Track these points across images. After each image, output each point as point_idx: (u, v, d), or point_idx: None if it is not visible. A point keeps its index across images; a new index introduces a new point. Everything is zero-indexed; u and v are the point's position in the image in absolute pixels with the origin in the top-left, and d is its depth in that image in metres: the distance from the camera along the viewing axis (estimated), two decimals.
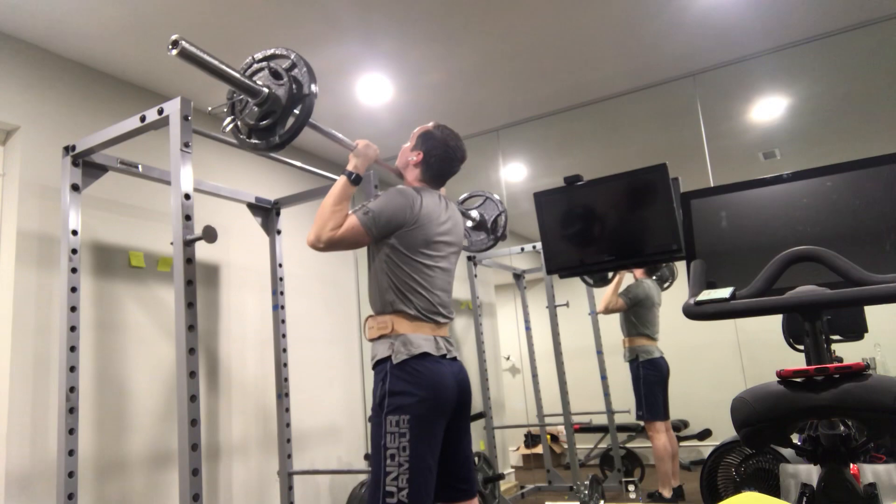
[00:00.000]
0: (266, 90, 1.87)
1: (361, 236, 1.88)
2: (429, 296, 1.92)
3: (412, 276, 1.90)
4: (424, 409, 1.78)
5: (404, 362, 1.82)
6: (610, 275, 3.83)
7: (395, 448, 1.75)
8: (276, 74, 1.87)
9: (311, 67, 1.87)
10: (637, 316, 3.78)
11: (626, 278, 3.85)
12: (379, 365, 1.88)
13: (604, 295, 3.83)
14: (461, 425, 1.97)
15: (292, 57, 1.88)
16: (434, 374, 1.83)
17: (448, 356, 1.92)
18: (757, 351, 3.24)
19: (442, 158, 2.07)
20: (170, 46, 1.67)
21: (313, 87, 1.85)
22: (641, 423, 3.77)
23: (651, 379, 3.69)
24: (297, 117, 1.86)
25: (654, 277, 3.85)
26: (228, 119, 1.96)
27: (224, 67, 1.80)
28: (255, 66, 1.93)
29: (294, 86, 1.86)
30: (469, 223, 3.30)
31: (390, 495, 1.71)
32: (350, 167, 2.00)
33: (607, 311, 3.82)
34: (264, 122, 1.89)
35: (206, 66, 1.77)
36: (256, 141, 1.93)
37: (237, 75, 1.84)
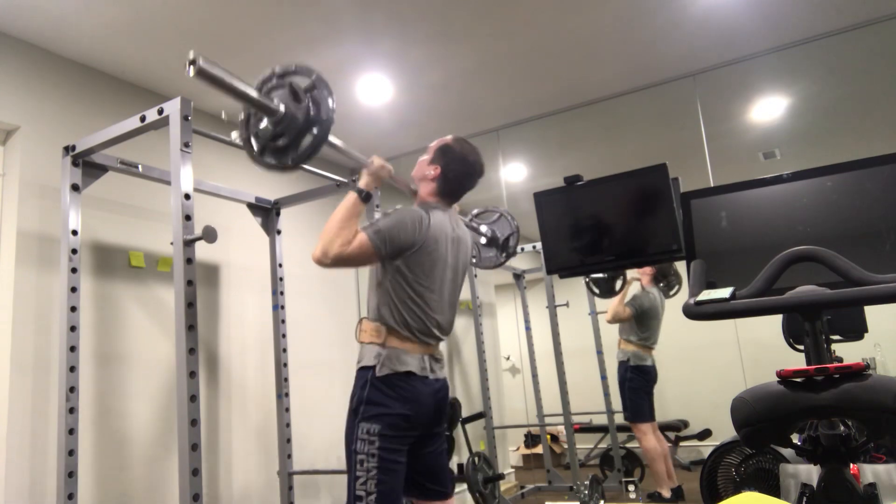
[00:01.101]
0: (283, 110, 1.83)
1: (371, 256, 1.85)
2: (425, 318, 1.90)
3: (413, 298, 1.88)
4: (397, 421, 1.80)
5: (387, 376, 1.82)
6: (618, 286, 3.84)
7: (364, 454, 1.77)
8: (295, 94, 1.82)
9: (330, 87, 1.83)
10: (639, 324, 3.79)
11: (634, 287, 3.86)
12: (362, 371, 1.88)
13: (611, 305, 3.84)
14: (432, 436, 1.97)
15: (313, 78, 1.83)
16: (413, 392, 1.84)
17: (431, 377, 1.91)
18: (757, 351, 3.24)
19: (460, 174, 2.03)
20: (187, 65, 1.60)
21: (332, 109, 1.81)
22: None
23: (636, 383, 3.72)
24: (315, 138, 1.82)
25: (660, 286, 3.85)
26: (243, 131, 1.91)
27: (242, 88, 1.74)
28: (275, 81, 1.88)
29: (312, 107, 1.81)
30: (481, 240, 3.28)
31: (359, 499, 1.75)
32: (361, 184, 1.96)
33: (615, 320, 3.83)
34: (279, 142, 1.85)
35: (224, 87, 1.71)
36: (271, 160, 1.88)
37: (255, 96, 1.79)
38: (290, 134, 1.84)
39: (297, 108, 1.82)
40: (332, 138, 1.88)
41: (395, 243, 1.85)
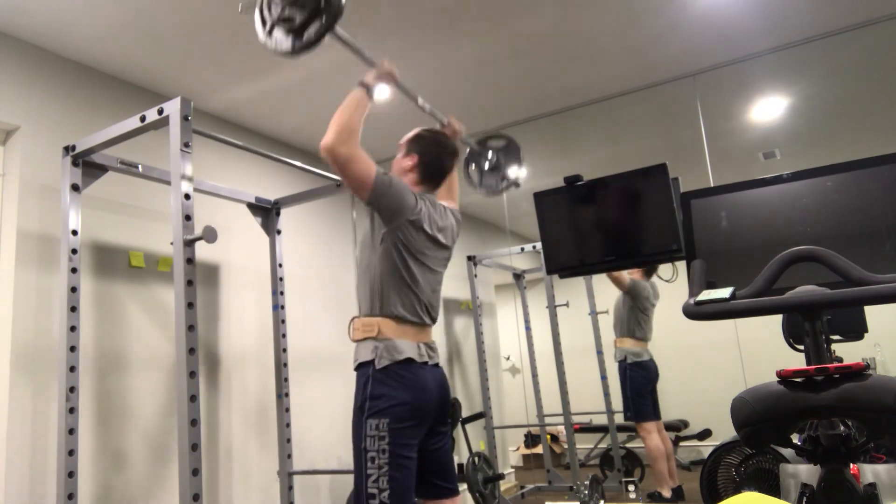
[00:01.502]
0: None
1: (366, 182, 1.84)
2: (415, 299, 1.92)
3: (402, 280, 1.90)
4: (404, 413, 1.80)
5: (386, 367, 1.83)
6: None
7: (374, 451, 1.77)
8: None
9: None
10: (631, 317, 3.79)
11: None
12: (361, 368, 1.88)
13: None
14: (440, 428, 1.98)
15: None
16: (416, 380, 1.84)
17: (430, 363, 1.93)
18: (757, 351, 3.24)
19: (436, 156, 2.09)
20: None
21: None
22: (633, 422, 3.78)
23: (638, 381, 3.70)
24: (321, 26, 1.80)
25: (653, 278, 3.85)
26: (257, 9, 1.90)
27: None
28: None
29: None
30: (486, 164, 3.20)
31: (372, 497, 1.74)
32: (368, 80, 1.97)
33: (612, 277, 3.74)
34: (290, 23, 1.83)
35: None
36: (281, 38, 1.86)
37: None
38: (300, 16, 1.81)
39: None
40: (339, 30, 1.88)
41: (390, 197, 1.87)
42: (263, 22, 1.91)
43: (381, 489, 1.74)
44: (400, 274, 1.90)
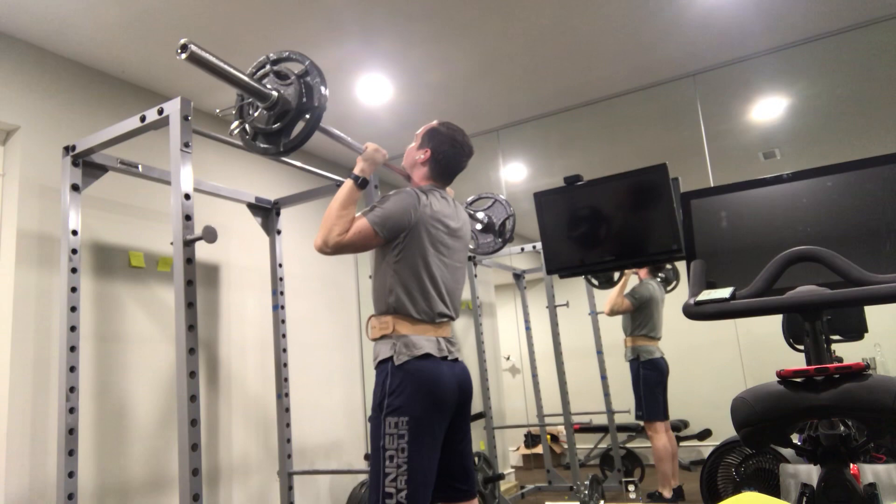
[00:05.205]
0: (276, 94, 1.86)
1: (371, 238, 1.86)
2: (431, 298, 1.90)
3: (418, 275, 1.88)
4: (423, 411, 1.77)
5: (405, 363, 1.81)
6: (616, 276, 3.82)
7: (393, 449, 1.74)
8: (286, 78, 1.86)
9: (323, 74, 1.86)
10: (641, 316, 3.78)
11: (631, 280, 3.86)
12: (381, 365, 1.87)
13: (609, 296, 3.82)
14: (461, 426, 1.96)
15: (306, 64, 1.87)
16: (435, 376, 1.82)
17: (450, 357, 1.91)
18: (757, 351, 3.24)
19: (449, 155, 2.05)
20: (178, 50, 1.66)
21: (324, 92, 1.84)
22: (641, 423, 3.77)
23: (651, 379, 3.69)
24: (308, 123, 1.85)
25: (658, 278, 3.85)
26: (236, 122, 1.95)
27: (233, 71, 1.79)
28: (268, 67, 1.92)
29: (305, 91, 1.85)
30: (477, 225, 3.27)
31: (389, 496, 1.71)
32: (357, 171, 1.98)
33: (613, 312, 3.81)
34: (273, 127, 1.88)
35: (215, 71, 1.76)
36: (265, 145, 1.92)
37: (247, 79, 1.83)
38: (282, 119, 1.87)
39: (290, 93, 1.86)
40: (324, 125, 1.91)
41: (395, 224, 1.86)
42: (246, 128, 1.96)
43: (399, 489, 1.71)
44: (411, 273, 1.88)
